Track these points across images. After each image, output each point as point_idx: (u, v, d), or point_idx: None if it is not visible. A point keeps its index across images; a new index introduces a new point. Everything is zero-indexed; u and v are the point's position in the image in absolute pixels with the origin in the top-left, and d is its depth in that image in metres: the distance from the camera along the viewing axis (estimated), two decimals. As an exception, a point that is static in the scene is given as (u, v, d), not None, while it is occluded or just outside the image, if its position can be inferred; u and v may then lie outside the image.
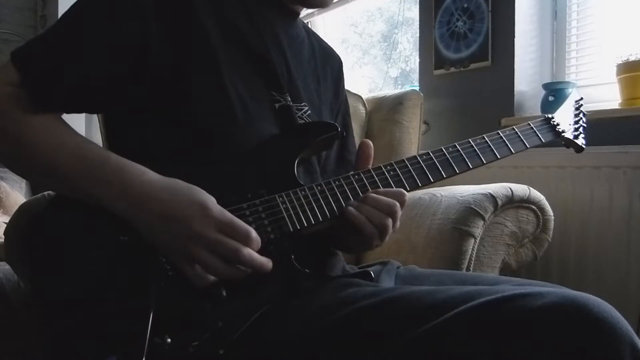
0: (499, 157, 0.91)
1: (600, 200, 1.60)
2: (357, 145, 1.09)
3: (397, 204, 0.81)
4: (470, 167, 0.89)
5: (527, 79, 1.94)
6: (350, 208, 0.81)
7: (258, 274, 0.73)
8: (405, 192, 0.84)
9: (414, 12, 2.68)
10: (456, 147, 0.89)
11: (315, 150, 0.92)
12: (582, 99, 1.09)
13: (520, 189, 1.34)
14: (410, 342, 0.64)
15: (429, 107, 2.08)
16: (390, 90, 2.11)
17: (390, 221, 0.81)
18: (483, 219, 1.29)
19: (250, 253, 0.72)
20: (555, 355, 0.57)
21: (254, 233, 0.73)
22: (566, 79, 1.92)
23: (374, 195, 0.82)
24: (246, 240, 0.72)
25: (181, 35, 0.81)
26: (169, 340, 0.70)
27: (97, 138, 2.03)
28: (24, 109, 0.76)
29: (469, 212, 1.30)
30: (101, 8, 0.80)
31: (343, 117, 1.07)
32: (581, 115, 1.06)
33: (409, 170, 0.85)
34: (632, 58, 1.63)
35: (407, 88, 2.01)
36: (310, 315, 0.72)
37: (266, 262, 0.73)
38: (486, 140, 0.91)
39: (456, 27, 2.11)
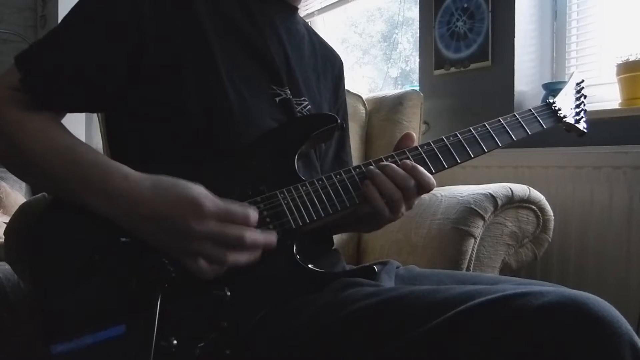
0: (500, 144, 0.89)
1: (600, 200, 1.60)
2: (350, 146, 1.09)
3: (412, 179, 0.80)
4: (472, 156, 0.87)
5: (527, 79, 1.94)
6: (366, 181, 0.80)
7: (265, 253, 0.74)
8: (428, 173, 0.81)
9: (414, 12, 2.68)
10: (457, 135, 0.87)
11: (314, 143, 0.91)
12: (583, 81, 1.05)
13: (520, 189, 1.34)
14: (411, 342, 0.64)
15: (429, 107, 2.08)
16: (390, 90, 2.11)
17: (400, 194, 0.79)
18: (483, 219, 1.29)
19: (253, 235, 0.72)
20: (555, 354, 0.57)
21: (251, 211, 0.73)
22: (566, 79, 1.92)
23: (391, 165, 0.80)
24: (247, 221, 0.72)
25: (178, 33, 0.81)
26: (175, 342, 0.70)
27: (97, 138, 2.03)
28: (22, 112, 0.76)
29: (469, 212, 1.30)
30: (99, 9, 0.81)
31: (342, 118, 1.07)
32: (582, 98, 1.03)
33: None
34: (632, 58, 1.63)
35: (407, 88, 2.01)
36: (312, 315, 0.72)
37: (270, 237, 0.74)
38: (487, 128, 0.90)
39: (456, 27, 2.11)
